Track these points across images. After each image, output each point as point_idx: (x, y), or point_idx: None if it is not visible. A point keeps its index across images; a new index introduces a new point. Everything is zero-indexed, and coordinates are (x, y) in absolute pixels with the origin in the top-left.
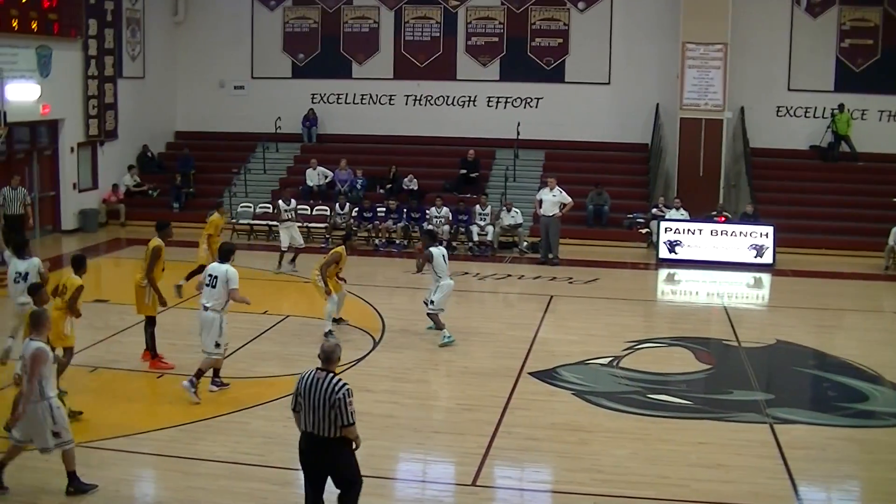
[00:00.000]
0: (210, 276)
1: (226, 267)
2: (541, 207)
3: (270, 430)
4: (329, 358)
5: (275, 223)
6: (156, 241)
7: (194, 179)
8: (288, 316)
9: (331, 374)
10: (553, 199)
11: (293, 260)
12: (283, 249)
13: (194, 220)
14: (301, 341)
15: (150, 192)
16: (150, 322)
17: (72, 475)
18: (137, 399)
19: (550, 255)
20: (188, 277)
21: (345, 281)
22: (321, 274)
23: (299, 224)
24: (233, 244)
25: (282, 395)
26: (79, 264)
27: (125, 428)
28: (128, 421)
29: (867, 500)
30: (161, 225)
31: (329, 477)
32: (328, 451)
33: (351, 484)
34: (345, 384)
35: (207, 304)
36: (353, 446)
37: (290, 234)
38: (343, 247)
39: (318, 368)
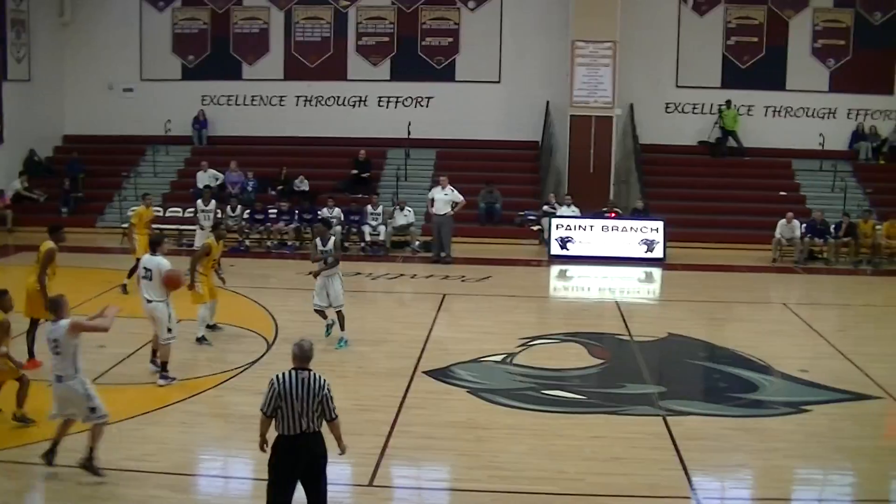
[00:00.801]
0: (145, 269)
1: (158, 258)
2: (433, 206)
3: (163, 435)
4: (307, 356)
5: (168, 227)
6: (48, 244)
7: (83, 184)
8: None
9: (313, 372)
10: (445, 198)
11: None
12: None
13: (83, 224)
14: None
15: (37, 197)
16: (35, 324)
17: (91, 451)
18: (32, 407)
19: (443, 254)
20: (130, 274)
21: (224, 281)
22: (190, 268)
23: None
24: (162, 236)
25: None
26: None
27: (20, 437)
28: (22, 431)
29: (761, 488)
30: (53, 228)
31: (300, 477)
32: (315, 445)
33: (324, 478)
34: (327, 380)
35: (149, 297)
36: (340, 451)
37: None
38: (212, 238)
39: (295, 369)
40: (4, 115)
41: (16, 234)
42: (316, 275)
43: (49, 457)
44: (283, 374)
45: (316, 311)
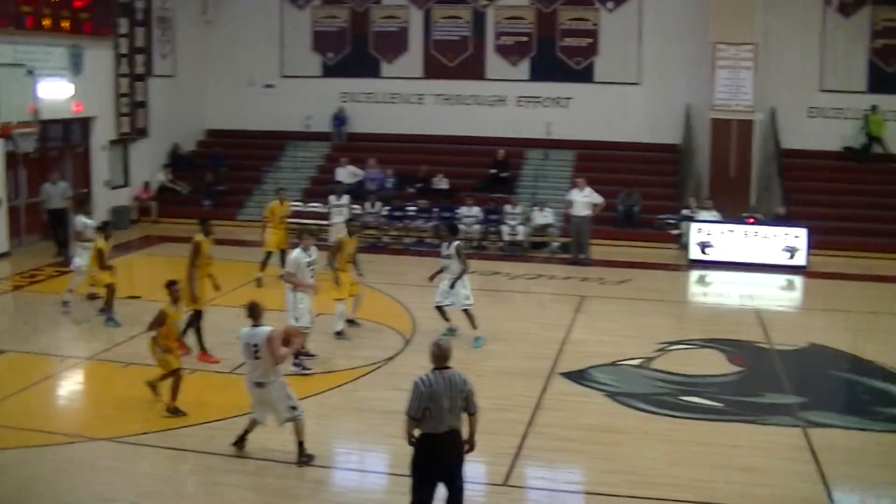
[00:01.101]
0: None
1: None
2: (572, 208)
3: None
4: (447, 356)
5: (307, 221)
6: (197, 237)
7: (225, 177)
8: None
9: (454, 371)
10: (584, 200)
11: None
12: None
13: (224, 217)
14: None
15: (181, 189)
16: (199, 317)
17: (302, 444)
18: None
19: (581, 256)
20: (262, 267)
21: (362, 276)
22: (328, 263)
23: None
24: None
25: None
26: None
27: (159, 424)
28: (161, 417)
29: None
30: (201, 221)
31: (441, 476)
32: (458, 442)
33: (462, 475)
34: (463, 374)
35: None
36: (469, 447)
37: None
38: (344, 233)
39: (436, 369)
40: (150, 109)
41: (160, 226)
42: (431, 279)
43: (240, 444)
44: (428, 376)
45: (436, 307)
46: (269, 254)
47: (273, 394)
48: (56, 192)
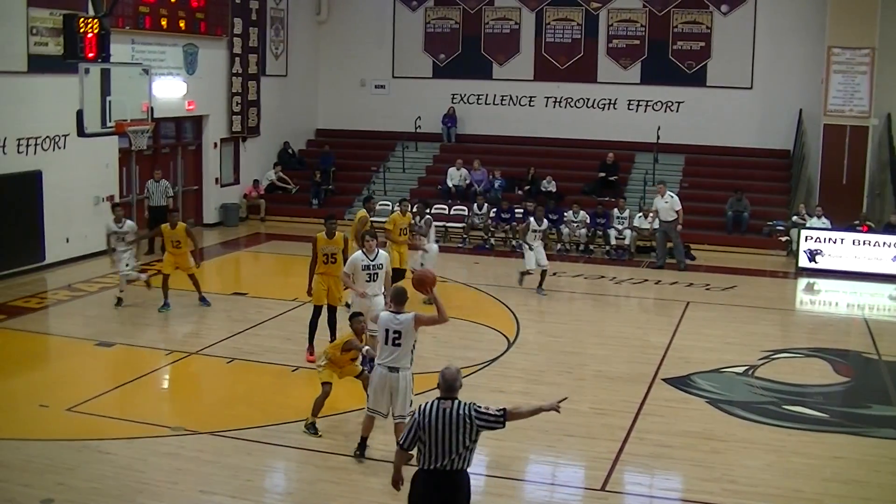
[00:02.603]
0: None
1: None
2: (658, 215)
3: None
4: (450, 386)
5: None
6: (319, 234)
7: (334, 177)
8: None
9: (458, 402)
10: (666, 206)
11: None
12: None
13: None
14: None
15: (290, 188)
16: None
17: (365, 440)
18: (273, 391)
19: (679, 261)
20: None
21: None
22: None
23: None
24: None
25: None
26: None
27: (259, 419)
28: (261, 413)
29: None
30: (325, 218)
31: None
32: (456, 485)
33: None
34: (470, 403)
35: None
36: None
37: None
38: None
39: (439, 399)
40: (262, 108)
41: (267, 223)
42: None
43: (360, 451)
44: (427, 404)
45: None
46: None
47: (402, 382)
48: (158, 190)
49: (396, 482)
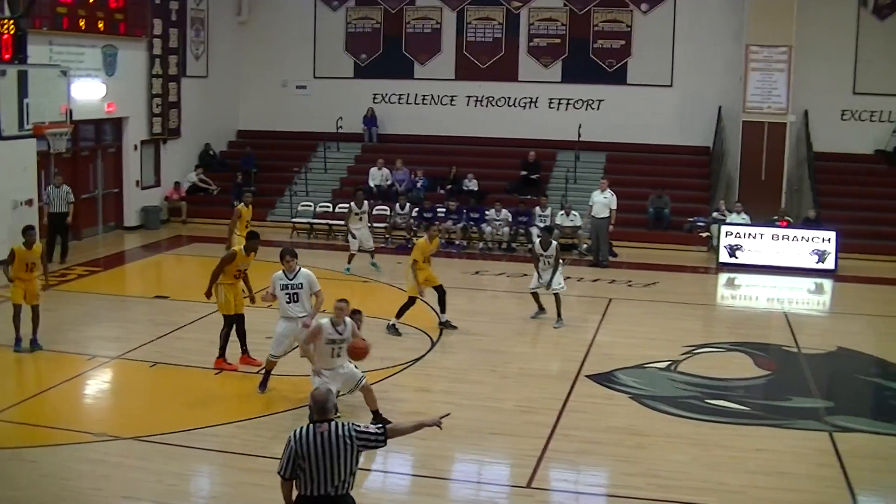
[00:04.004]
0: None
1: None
2: (592, 210)
3: None
4: (322, 408)
5: (336, 222)
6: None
7: (256, 178)
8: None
9: (337, 424)
10: (603, 201)
11: (373, 260)
12: (352, 252)
13: (254, 217)
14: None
15: (211, 189)
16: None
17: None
18: (196, 395)
19: (601, 258)
20: (399, 314)
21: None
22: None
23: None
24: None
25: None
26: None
27: (184, 423)
28: (187, 417)
29: None
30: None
31: None
32: None
33: None
34: (348, 423)
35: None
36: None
37: (361, 236)
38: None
39: (314, 422)
40: (182, 110)
41: (189, 225)
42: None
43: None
44: (301, 430)
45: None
46: (413, 299)
47: None
48: (59, 196)
49: None
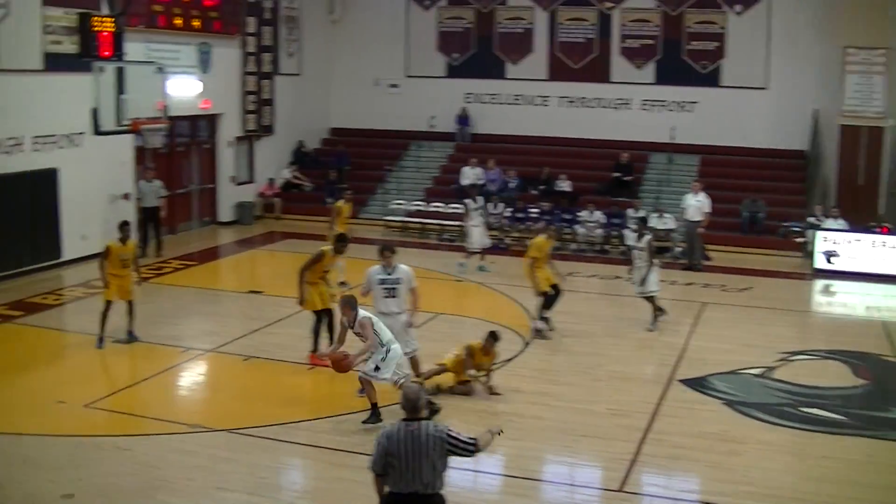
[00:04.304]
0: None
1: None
2: (685, 213)
3: None
4: (413, 406)
5: (429, 221)
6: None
7: (348, 176)
8: (438, 314)
9: (426, 424)
10: (697, 204)
11: (482, 258)
12: (470, 251)
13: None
14: (452, 340)
15: (304, 186)
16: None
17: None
18: (289, 390)
19: (694, 261)
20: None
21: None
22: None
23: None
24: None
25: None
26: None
27: (276, 417)
28: (279, 411)
29: None
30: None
31: None
32: None
33: None
34: (440, 426)
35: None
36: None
37: (476, 234)
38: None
39: (404, 420)
40: (276, 107)
41: (282, 222)
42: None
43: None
44: (391, 427)
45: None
46: (546, 295)
47: None
48: (150, 190)
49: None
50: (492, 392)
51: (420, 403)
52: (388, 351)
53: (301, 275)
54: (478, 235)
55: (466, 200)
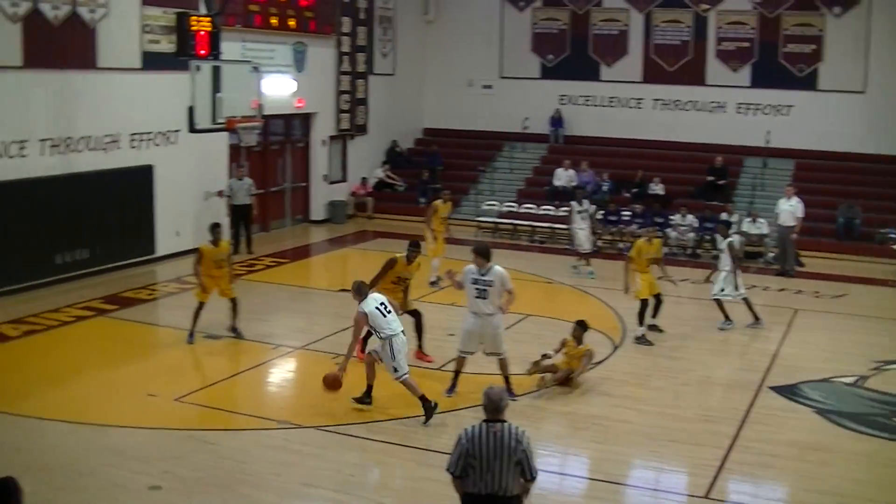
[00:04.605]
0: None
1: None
2: (778, 217)
3: None
4: (496, 407)
5: (521, 222)
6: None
7: (441, 176)
8: (528, 315)
9: (509, 426)
10: (790, 209)
11: (587, 263)
12: (581, 252)
13: None
14: (541, 341)
15: (396, 186)
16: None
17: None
18: (377, 388)
19: (787, 267)
20: (641, 320)
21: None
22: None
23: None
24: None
25: (525, 393)
26: None
27: (364, 415)
28: (366, 409)
29: None
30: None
31: None
32: None
33: None
34: (522, 430)
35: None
36: None
37: (581, 236)
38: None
39: (485, 422)
40: (370, 107)
41: (375, 221)
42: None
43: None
44: (473, 428)
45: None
46: (645, 302)
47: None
48: (242, 189)
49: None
50: (565, 383)
51: (503, 405)
52: (391, 347)
53: (374, 282)
54: (583, 238)
55: (572, 203)
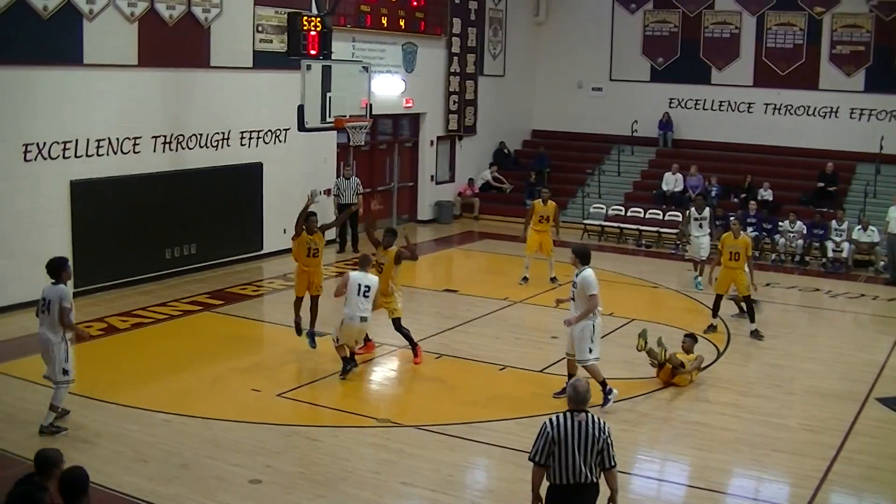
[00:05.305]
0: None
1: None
2: (889, 225)
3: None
4: (581, 398)
5: (627, 226)
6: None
7: (548, 178)
8: (632, 319)
9: (592, 415)
10: None
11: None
12: (697, 261)
13: None
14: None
15: (504, 188)
16: None
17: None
18: (479, 389)
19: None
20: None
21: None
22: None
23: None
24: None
25: (627, 397)
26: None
27: (464, 416)
28: (468, 409)
29: None
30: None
31: None
32: (590, 497)
33: None
34: (605, 422)
35: None
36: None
37: (697, 243)
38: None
39: (571, 411)
40: (478, 107)
41: (481, 222)
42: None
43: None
44: (558, 417)
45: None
46: (719, 297)
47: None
48: (349, 188)
49: (535, 502)
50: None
51: (587, 397)
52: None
53: None
54: (697, 246)
55: (691, 209)
